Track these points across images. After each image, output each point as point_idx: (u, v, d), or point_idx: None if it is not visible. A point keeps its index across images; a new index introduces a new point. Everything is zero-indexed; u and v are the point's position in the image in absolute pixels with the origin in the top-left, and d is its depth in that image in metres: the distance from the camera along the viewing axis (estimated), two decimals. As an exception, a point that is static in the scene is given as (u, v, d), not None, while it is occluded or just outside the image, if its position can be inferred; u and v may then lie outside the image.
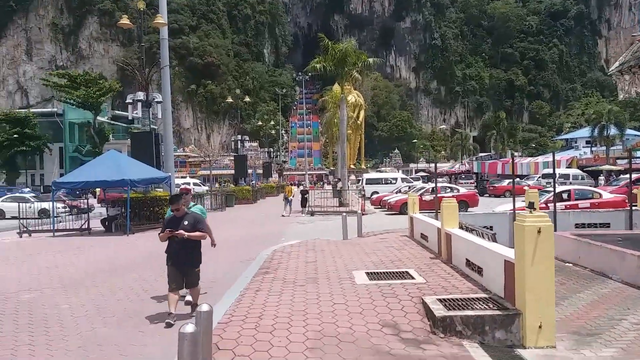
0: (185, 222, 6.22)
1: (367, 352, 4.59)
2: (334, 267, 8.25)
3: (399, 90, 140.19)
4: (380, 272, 7.63)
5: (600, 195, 14.96)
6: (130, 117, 21.89)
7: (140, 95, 18.13)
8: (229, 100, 40.46)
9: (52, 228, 17.09)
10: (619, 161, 44.28)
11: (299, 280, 7.32)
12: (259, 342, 4.83)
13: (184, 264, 6.27)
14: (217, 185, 64.91)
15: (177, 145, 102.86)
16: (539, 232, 4.68)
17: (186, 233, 6.10)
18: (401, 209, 21.63)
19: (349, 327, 5.18)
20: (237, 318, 5.54)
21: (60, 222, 18.38)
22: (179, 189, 8.12)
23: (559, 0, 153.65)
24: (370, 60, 24.90)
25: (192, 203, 7.51)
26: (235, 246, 12.93)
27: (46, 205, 23.14)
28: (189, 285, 6.39)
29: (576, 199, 14.59)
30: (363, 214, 22.24)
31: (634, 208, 10.69)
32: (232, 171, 49.32)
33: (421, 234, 10.51)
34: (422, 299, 5.86)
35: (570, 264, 8.58)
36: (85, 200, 22.81)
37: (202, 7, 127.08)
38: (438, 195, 22.32)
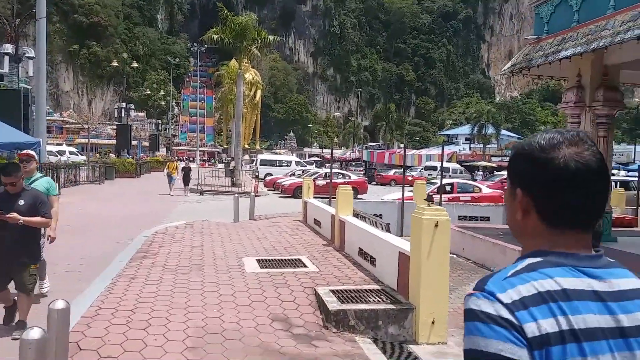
0: (21, 202, 4.52)
1: (255, 350, 4.16)
2: (222, 253, 7.69)
3: (297, 73, 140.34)
4: (272, 260, 7.24)
5: (480, 189, 15.98)
6: (-7, 72, 19.05)
7: (8, 48, 15.74)
8: (115, 63, 37.05)
9: None
10: (493, 158, 48.46)
11: (181, 267, 6.66)
12: (130, 340, 4.18)
13: (13, 259, 4.52)
14: (96, 155, 60.12)
15: (53, 109, 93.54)
16: (436, 226, 4.56)
17: (21, 217, 4.40)
18: (294, 192, 21.42)
19: (236, 323, 4.71)
20: (105, 311, 4.80)
21: None
22: (17, 155, 6.56)
23: (451, 2, 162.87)
24: (271, 37, 24.07)
25: (38, 174, 5.88)
26: (111, 225, 11.73)
27: None
28: (18, 288, 4.63)
29: (458, 192, 15.41)
30: (256, 196, 21.71)
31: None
32: (114, 141, 45.81)
33: (314, 219, 10.30)
34: (315, 290, 5.56)
35: (454, 255, 8.87)
36: None
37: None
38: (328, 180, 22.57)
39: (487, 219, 12.00)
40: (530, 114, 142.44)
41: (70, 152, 44.37)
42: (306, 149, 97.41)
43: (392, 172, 38.11)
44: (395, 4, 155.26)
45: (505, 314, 0.86)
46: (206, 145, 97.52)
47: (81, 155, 43.87)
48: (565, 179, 0.93)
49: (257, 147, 68.11)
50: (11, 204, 4.47)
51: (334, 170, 25.66)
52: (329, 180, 22.33)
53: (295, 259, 7.24)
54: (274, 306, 5.16)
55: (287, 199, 21.33)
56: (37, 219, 4.58)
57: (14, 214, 4.36)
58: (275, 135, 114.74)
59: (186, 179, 21.78)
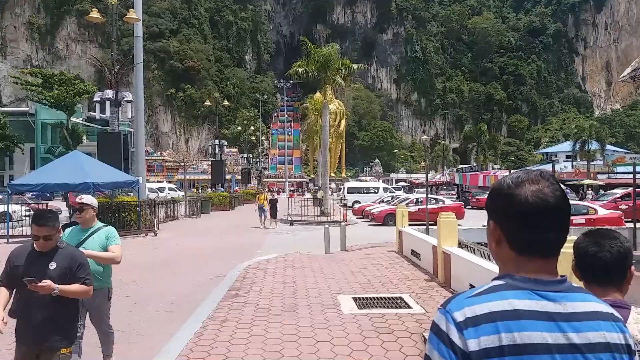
0: (53, 265, 3.33)
1: (360, 413, 3.52)
2: (316, 290, 7.16)
3: (380, 100, 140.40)
4: (370, 298, 6.57)
5: (595, 210, 14.21)
6: (97, 117, 20.55)
7: (109, 93, 16.82)
8: (208, 103, 39.03)
9: (6, 234, 15.61)
10: (599, 176, 44.34)
11: (274, 308, 6.19)
12: (220, 397, 3.71)
13: (42, 340, 3.29)
14: (194, 190, 63.25)
15: (154, 149, 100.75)
16: None
17: (57, 286, 3.22)
18: (385, 219, 20.65)
19: (337, 377, 4.10)
20: (195, 360, 4.41)
21: (22, 226, 16.85)
22: (75, 200, 4.82)
23: (538, 17, 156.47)
24: (354, 66, 23.92)
25: (98, 224, 4.61)
26: (205, 258, 11.71)
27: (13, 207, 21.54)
28: None
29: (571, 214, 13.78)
30: (345, 225, 21.29)
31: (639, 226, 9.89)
32: (210, 177, 47.90)
33: (412, 250, 9.51)
34: (424, 337, 4.83)
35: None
36: (50, 204, 21.30)
37: (184, 12, 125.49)
38: (423, 206, 21.51)
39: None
40: (636, 127, 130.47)
41: (170, 189, 46.88)
42: (393, 175, 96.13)
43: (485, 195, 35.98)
44: (479, 24, 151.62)
45: (452, 331, 1.05)
46: (294, 176, 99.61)
47: (180, 191, 46.22)
48: (527, 212, 1.10)
49: (343, 175, 68.13)
50: (42, 267, 3.30)
51: (425, 196, 24.62)
52: (421, 206, 21.35)
53: (396, 297, 6.52)
54: (378, 356, 4.49)
55: (378, 227, 20.58)
56: (76, 287, 3.35)
57: (47, 282, 3.18)
58: (360, 162, 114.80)
59: (273, 211, 21.41)
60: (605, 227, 1.81)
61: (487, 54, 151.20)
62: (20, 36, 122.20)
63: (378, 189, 35.78)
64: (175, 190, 45.68)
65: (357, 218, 24.43)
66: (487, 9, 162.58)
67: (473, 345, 1.02)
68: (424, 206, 21.40)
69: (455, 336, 1.04)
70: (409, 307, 6.05)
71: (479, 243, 10.05)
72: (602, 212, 14.20)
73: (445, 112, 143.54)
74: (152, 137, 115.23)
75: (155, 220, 17.07)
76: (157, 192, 43.57)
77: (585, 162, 45.04)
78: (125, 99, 17.34)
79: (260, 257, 10.84)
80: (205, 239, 16.12)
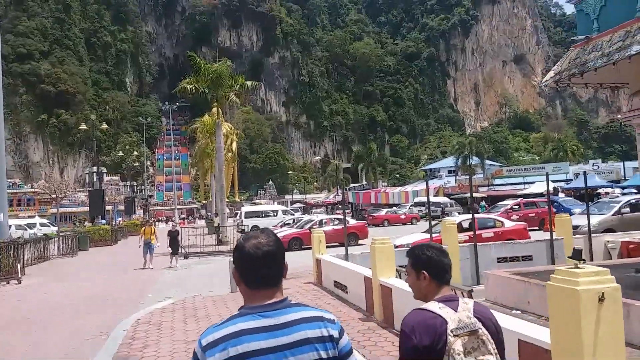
0: None
1: None
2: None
3: (271, 123, 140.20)
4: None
5: (502, 223, 14.33)
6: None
7: (-46, 114, 13.83)
8: (84, 127, 35.00)
9: None
10: (480, 189, 47.35)
11: (179, 382, 4.66)
12: None
13: None
14: (71, 225, 57.01)
15: (24, 181, 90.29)
16: (601, 300, 2.79)
17: None
18: (290, 244, 19.48)
19: None
20: None
21: None
22: None
23: (413, 43, 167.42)
24: (248, 83, 22.60)
25: None
26: (82, 310, 9.55)
27: None
28: None
29: (479, 229, 13.71)
30: (246, 254, 19.68)
31: (554, 238, 9.82)
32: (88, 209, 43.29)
33: (335, 282, 8.40)
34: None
35: (519, 311, 7.06)
36: None
37: (56, 32, 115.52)
38: (329, 227, 20.70)
39: (529, 258, 10.27)
40: (503, 142, 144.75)
41: (42, 224, 41.73)
42: (287, 197, 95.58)
43: (384, 211, 36.48)
44: (360, 49, 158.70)
45: (200, 353, 1.52)
46: (184, 203, 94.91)
47: (54, 226, 41.20)
48: (247, 258, 1.61)
49: (237, 199, 65.96)
50: None
51: (329, 216, 23.85)
52: (326, 227, 20.51)
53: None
54: None
55: (283, 253, 19.33)
56: None
57: None
58: (253, 185, 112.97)
59: (174, 247, 17.28)
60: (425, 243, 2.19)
61: (368, 78, 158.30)
62: None
63: (277, 211, 34.66)
64: (49, 226, 40.65)
65: (258, 244, 22.85)
66: (367, 34, 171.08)
67: None
68: (330, 227, 20.67)
69: (201, 356, 1.51)
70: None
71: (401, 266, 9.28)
72: (509, 224, 14.36)
73: (333, 133, 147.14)
74: (22, 168, 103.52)
75: (18, 264, 14.17)
76: (25, 229, 38.36)
77: (467, 176, 47.86)
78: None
79: (151, 306, 8.94)
80: (83, 283, 13.65)
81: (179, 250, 17.65)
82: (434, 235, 14.02)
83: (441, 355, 1.82)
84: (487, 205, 40.07)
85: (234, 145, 50.85)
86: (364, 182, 68.97)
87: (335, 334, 1.63)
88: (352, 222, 21.46)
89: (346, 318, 6.61)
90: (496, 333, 1.93)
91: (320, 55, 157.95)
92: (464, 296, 4.39)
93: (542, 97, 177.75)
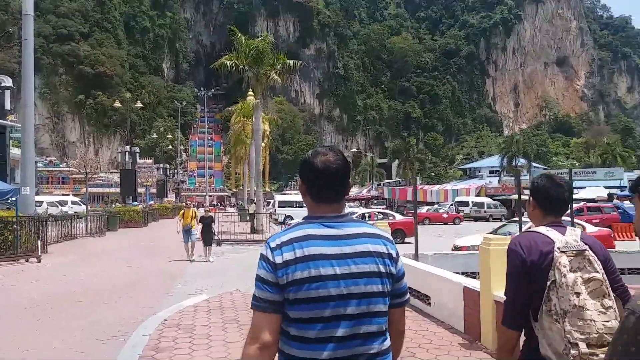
0: None
1: None
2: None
3: (304, 115, 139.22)
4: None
5: (584, 228, 12.45)
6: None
7: (-20, 75, 12.78)
8: (118, 104, 34.12)
9: None
10: (526, 191, 44.59)
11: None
12: None
13: None
14: (102, 204, 56.99)
15: (60, 159, 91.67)
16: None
17: None
18: (329, 238, 17.97)
19: None
20: None
21: None
22: None
23: (452, 40, 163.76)
24: (291, 62, 21.12)
25: None
26: (100, 299, 8.19)
27: None
28: None
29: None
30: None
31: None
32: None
33: (410, 288, 6.80)
34: None
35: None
36: None
37: (96, 15, 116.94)
38: (374, 220, 19.06)
39: (637, 271, 8.45)
40: (542, 146, 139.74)
41: (73, 202, 41.40)
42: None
43: (424, 209, 34.59)
44: (398, 44, 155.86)
45: (268, 253, 1.62)
46: (215, 190, 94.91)
47: (85, 205, 40.89)
48: (315, 172, 1.68)
49: (267, 188, 64.93)
50: None
51: (374, 209, 22.12)
52: (370, 222, 18.87)
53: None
54: None
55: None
56: None
57: None
58: (284, 176, 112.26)
59: (208, 236, 14.03)
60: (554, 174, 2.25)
61: (405, 73, 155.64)
62: None
63: (311, 202, 33.19)
64: (80, 204, 40.27)
65: (293, 235, 21.35)
66: (405, 29, 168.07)
67: (278, 259, 1.59)
68: (373, 221, 19.04)
69: (270, 255, 1.61)
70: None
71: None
72: (591, 229, 12.47)
73: (366, 128, 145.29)
74: (58, 147, 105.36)
75: (39, 241, 13.07)
76: (57, 206, 38.04)
77: (511, 177, 45.39)
78: (3, 84, 13.30)
79: (182, 302, 7.39)
80: (107, 266, 12.40)
81: (212, 242, 14.43)
82: (504, 236, 12.30)
83: (546, 273, 1.90)
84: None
85: (267, 130, 49.71)
86: (398, 178, 66.99)
87: (394, 253, 1.71)
88: (398, 217, 19.72)
89: (438, 340, 4.96)
90: (605, 260, 1.95)
91: (356, 48, 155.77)
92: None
93: (584, 102, 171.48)
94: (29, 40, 15.17)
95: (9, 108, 13.33)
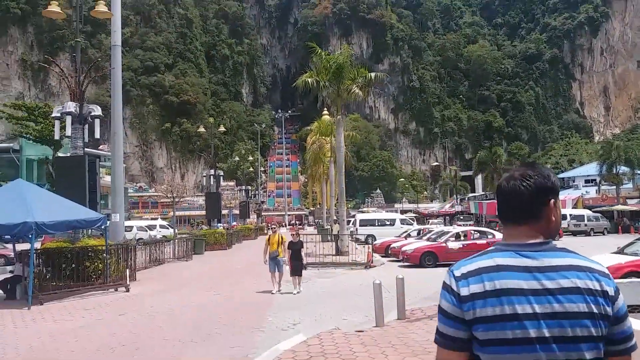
0: None
1: None
2: None
3: (379, 130, 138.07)
4: None
5: None
6: (57, 137, 16.71)
7: (71, 106, 13.04)
8: (202, 129, 35.11)
9: None
10: (629, 201, 40.49)
11: None
12: None
13: None
14: (189, 227, 58.94)
15: (149, 185, 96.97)
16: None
17: None
18: (422, 259, 16.64)
19: None
20: None
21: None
22: None
23: (533, 44, 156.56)
24: (372, 75, 20.24)
25: None
26: (188, 335, 7.59)
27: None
28: None
29: None
30: (370, 266, 17.28)
31: None
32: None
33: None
34: None
35: None
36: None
37: (179, 46, 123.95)
38: (468, 242, 17.48)
39: None
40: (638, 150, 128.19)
41: (161, 226, 42.85)
42: (397, 205, 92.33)
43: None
44: (475, 52, 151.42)
45: (452, 283, 1.48)
46: (293, 209, 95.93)
47: (171, 228, 42.17)
48: (500, 191, 1.55)
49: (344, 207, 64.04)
50: None
51: (469, 228, 20.42)
52: (465, 242, 17.38)
53: None
54: None
55: (412, 268, 16.54)
56: None
57: None
58: (360, 193, 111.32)
59: (297, 264, 12.25)
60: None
61: (484, 82, 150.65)
62: (13, 74, 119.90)
63: (394, 220, 31.78)
64: (167, 228, 41.56)
65: (381, 257, 20.25)
66: (482, 37, 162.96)
67: (464, 291, 1.43)
68: (470, 241, 17.49)
69: (454, 286, 1.46)
70: None
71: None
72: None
73: (444, 140, 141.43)
74: (147, 173, 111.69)
75: (127, 270, 12.95)
76: (147, 231, 39.47)
77: (613, 186, 41.18)
78: (93, 113, 13.52)
79: (278, 345, 6.40)
80: (194, 295, 11.92)
81: (301, 271, 12.45)
82: (635, 258, 10.47)
83: None
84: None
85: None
86: (482, 192, 63.71)
87: (611, 290, 1.42)
88: (498, 235, 17.80)
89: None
90: None
91: (431, 59, 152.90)
92: None
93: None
94: (117, 69, 15.51)
95: (98, 137, 13.58)
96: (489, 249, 1.53)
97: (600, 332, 1.38)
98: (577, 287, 1.39)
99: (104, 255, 12.35)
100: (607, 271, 1.47)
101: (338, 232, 20.46)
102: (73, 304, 10.94)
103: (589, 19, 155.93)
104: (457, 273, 1.48)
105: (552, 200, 1.50)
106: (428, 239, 18.80)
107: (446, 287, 1.49)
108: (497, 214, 1.59)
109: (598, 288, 1.40)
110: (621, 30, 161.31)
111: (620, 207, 39.17)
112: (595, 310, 1.37)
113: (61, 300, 11.21)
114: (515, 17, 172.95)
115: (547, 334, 1.35)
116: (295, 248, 12.31)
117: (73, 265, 11.78)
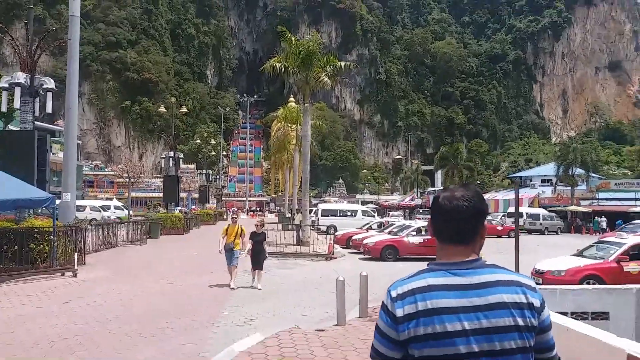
0: None
1: None
2: None
3: (344, 121, 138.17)
4: None
5: None
6: (4, 109, 15.57)
7: (20, 77, 12.11)
8: (163, 109, 33.87)
9: None
10: (582, 202, 42.00)
11: None
12: None
13: None
14: (145, 209, 57.36)
15: (105, 164, 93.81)
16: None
17: None
18: (382, 253, 16.53)
19: None
20: None
21: None
22: None
23: (498, 44, 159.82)
24: (342, 63, 19.86)
25: None
26: (136, 329, 7.12)
27: None
28: None
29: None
30: (331, 258, 17.06)
31: None
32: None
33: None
34: None
35: None
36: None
37: (143, 23, 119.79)
38: (426, 236, 17.48)
39: None
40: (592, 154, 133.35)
41: (116, 207, 41.53)
42: (358, 196, 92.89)
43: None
44: (441, 48, 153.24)
45: (389, 303, 1.51)
46: (255, 195, 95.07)
47: (126, 209, 40.87)
48: (438, 210, 1.55)
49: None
50: None
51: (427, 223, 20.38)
52: (426, 237, 17.34)
53: None
54: None
55: (373, 261, 16.42)
56: None
57: None
58: (322, 182, 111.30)
59: (258, 257, 11.30)
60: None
61: (448, 79, 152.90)
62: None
63: (356, 212, 31.70)
64: (122, 209, 40.27)
65: (342, 248, 20.04)
66: (450, 34, 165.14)
67: (399, 312, 1.46)
68: (430, 236, 17.41)
69: (390, 306, 1.49)
70: None
71: (595, 313, 6.20)
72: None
73: (407, 134, 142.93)
74: (104, 151, 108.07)
75: (75, 253, 12.20)
76: (100, 211, 38.06)
77: (569, 187, 42.50)
78: (45, 86, 12.62)
79: (233, 345, 5.95)
80: (146, 284, 11.34)
81: (262, 264, 11.46)
82: (594, 262, 10.60)
83: None
84: (604, 222, 34.83)
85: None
86: (442, 186, 64.70)
87: (537, 302, 1.50)
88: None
89: None
90: None
91: (399, 53, 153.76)
92: None
93: (638, 108, 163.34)
94: (74, 40, 14.56)
95: (51, 111, 12.67)
96: (422, 269, 1.55)
97: (527, 343, 1.45)
98: (504, 302, 1.45)
99: (51, 237, 11.60)
100: (533, 284, 1.52)
101: (300, 221, 20.13)
102: (13, 288, 10.21)
103: (552, 23, 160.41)
104: (394, 293, 1.50)
105: (484, 220, 1.56)
106: (389, 233, 18.75)
107: (384, 307, 1.52)
108: (433, 234, 1.56)
109: (524, 301, 1.47)
110: (582, 37, 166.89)
111: (574, 207, 40.53)
112: (521, 323, 1.44)
113: (0, 285, 10.45)
114: (483, 17, 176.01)
115: (476, 349, 1.41)
116: (258, 239, 11.37)
117: (16, 247, 11.01)
